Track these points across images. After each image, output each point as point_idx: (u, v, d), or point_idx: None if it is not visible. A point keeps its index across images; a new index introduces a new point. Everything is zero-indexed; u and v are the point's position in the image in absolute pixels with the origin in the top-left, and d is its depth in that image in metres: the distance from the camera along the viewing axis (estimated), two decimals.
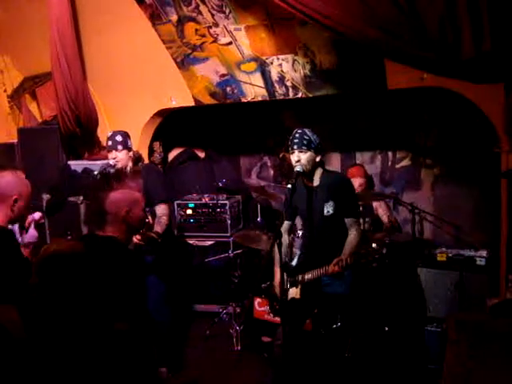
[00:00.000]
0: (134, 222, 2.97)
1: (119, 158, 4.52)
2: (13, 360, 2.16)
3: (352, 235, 3.75)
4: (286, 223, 3.99)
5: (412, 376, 4.37)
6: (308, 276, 3.76)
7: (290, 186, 3.48)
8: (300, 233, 4.89)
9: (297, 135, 3.65)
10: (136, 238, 4.03)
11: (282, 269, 3.41)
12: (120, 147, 4.52)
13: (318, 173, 3.75)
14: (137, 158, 4.73)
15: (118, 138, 4.54)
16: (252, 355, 4.96)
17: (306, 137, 3.62)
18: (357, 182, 5.33)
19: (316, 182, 3.76)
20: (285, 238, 3.93)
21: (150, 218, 4.23)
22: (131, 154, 4.64)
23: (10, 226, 3.23)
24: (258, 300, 5.08)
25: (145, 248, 4.15)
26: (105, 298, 2.42)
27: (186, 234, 5.92)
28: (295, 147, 3.62)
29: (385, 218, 5.44)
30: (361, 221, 5.02)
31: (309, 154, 3.62)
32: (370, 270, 4.84)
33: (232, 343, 5.15)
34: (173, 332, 4.75)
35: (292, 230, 4.24)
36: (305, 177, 3.73)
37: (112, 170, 4.41)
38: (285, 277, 3.55)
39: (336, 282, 3.73)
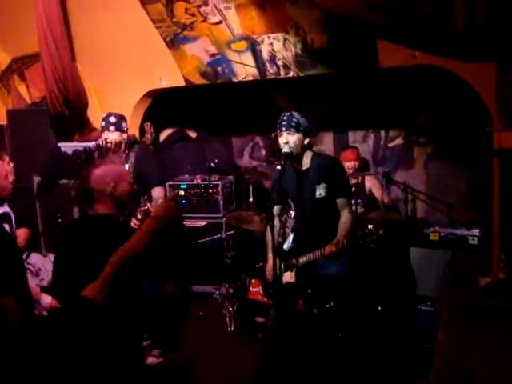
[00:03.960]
0: (121, 197, 2.90)
1: (111, 138, 4.46)
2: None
3: (345, 216, 3.74)
4: (277, 207, 3.97)
5: (405, 355, 4.40)
6: (303, 259, 3.75)
7: (279, 167, 3.46)
8: (293, 213, 4.88)
9: (285, 117, 3.64)
10: (134, 224, 3.99)
11: (274, 253, 3.41)
12: (112, 128, 4.47)
13: (308, 155, 3.73)
14: (132, 142, 4.70)
15: (112, 119, 4.50)
16: (245, 335, 4.97)
17: (294, 119, 3.61)
18: (350, 165, 5.33)
19: (306, 164, 3.74)
20: (276, 222, 3.89)
21: (149, 205, 4.17)
22: (125, 136, 4.59)
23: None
24: (251, 281, 5.09)
25: None
26: None
27: None
28: (283, 129, 3.61)
29: (380, 196, 5.42)
30: (353, 202, 5.03)
31: (297, 136, 3.60)
32: (365, 250, 4.85)
33: (225, 324, 5.16)
34: (156, 306, 4.69)
35: (283, 212, 4.21)
36: (293, 159, 3.71)
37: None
38: (277, 262, 3.55)
39: (332, 263, 3.73)
